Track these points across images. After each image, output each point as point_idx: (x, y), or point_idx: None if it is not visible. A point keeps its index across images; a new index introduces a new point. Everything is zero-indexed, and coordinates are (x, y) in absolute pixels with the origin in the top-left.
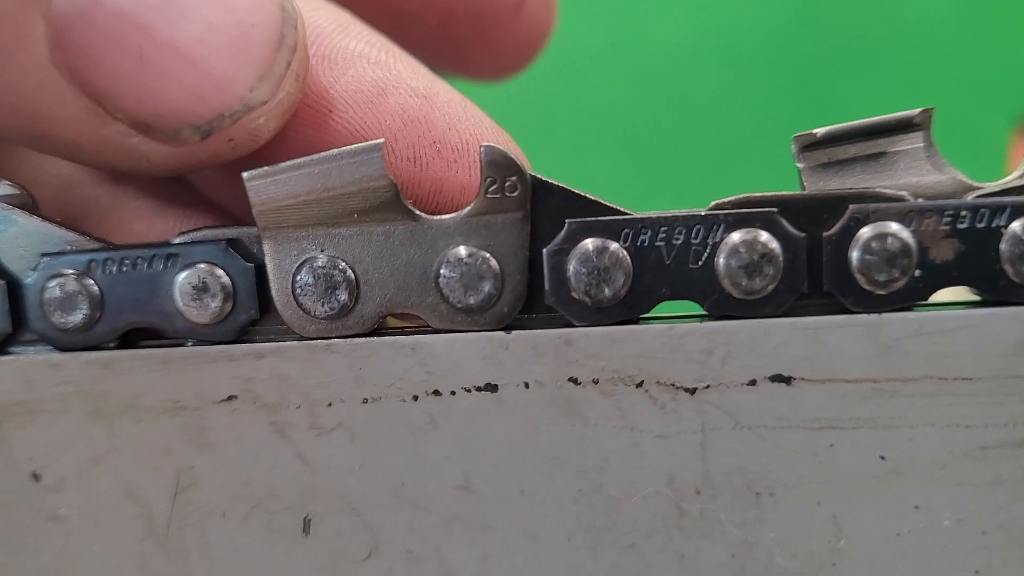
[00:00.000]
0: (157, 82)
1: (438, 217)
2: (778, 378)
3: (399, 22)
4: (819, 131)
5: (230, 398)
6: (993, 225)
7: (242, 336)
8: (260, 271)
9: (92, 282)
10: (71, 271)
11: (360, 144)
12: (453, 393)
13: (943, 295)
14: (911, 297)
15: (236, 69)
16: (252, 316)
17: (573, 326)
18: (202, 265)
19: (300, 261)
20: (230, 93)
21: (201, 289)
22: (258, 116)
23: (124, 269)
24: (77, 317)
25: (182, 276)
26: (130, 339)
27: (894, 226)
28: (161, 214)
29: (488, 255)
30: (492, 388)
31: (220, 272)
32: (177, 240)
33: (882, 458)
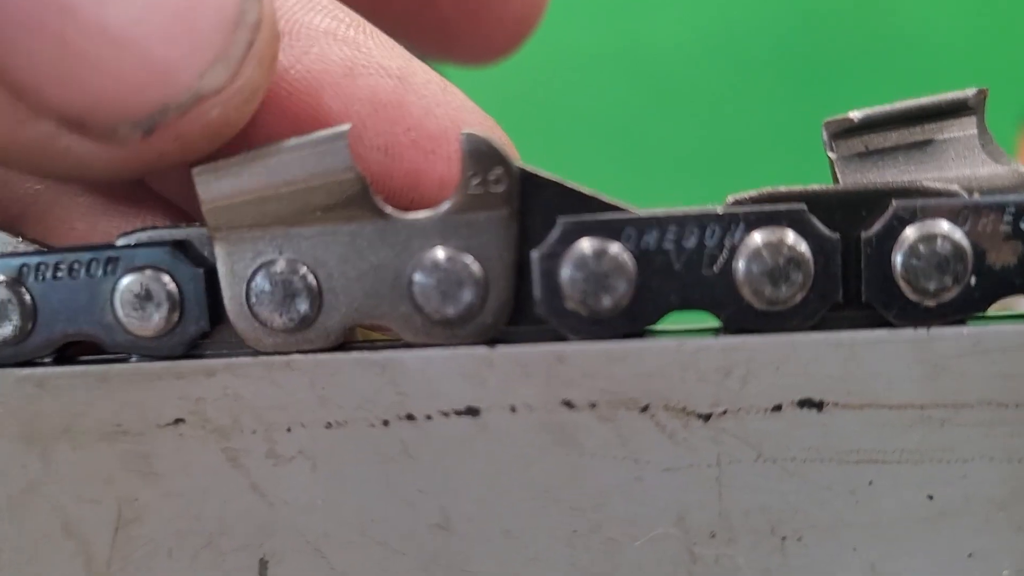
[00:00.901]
0: (85, 71)
1: (412, 215)
2: (808, 403)
3: (378, 2)
4: (855, 114)
5: (177, 421)
6: None
7: (191, 351)
8: (211, 277)
9: (24, 290)
10: (1, 277)
11: (323, 131)
12: (429, 417)
13: (1002, 306)
14: (965, 309)
15: (182, 52)
16: (202, 328)
17: (567, 341)
18: (146, 270)
19: (256, 265)
20: (175, 81)
21: (144, 297)
22: (211, 107)
23: (59, 275)
24: (7, 329)
25: (123, 283)
26: (68, 354)
27: (945, 225)
28: (106, 212)
29: (470, 258)
30: (474, 412)
31: (166, 278)
32: (118, 242)
33: (930, 497)
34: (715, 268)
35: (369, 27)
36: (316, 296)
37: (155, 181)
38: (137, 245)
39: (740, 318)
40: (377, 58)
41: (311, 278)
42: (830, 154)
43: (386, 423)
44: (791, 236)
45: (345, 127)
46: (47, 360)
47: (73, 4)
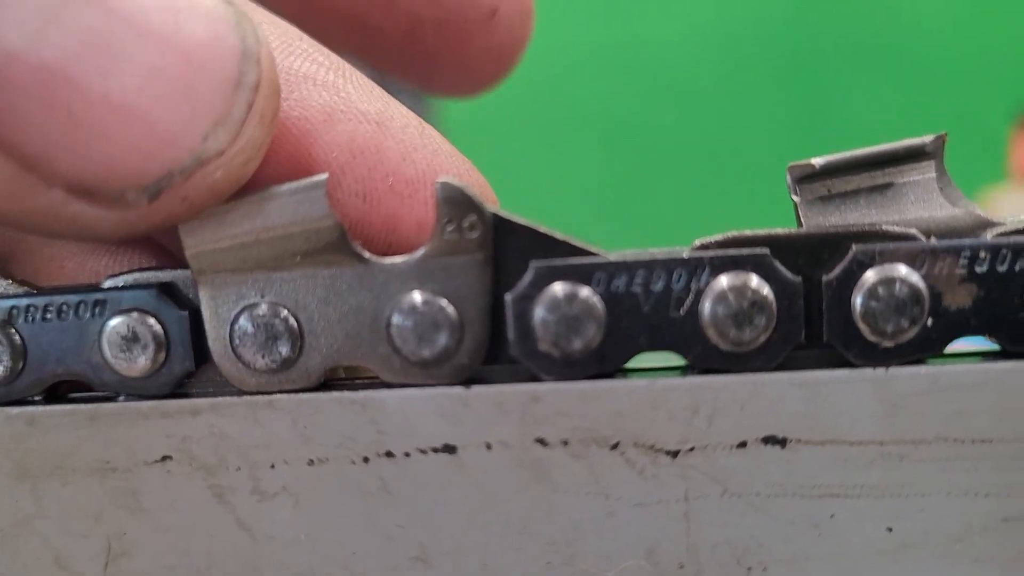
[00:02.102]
0: (93, 141)
1: (390, 260)
2: (772, 440)
3: (362, 35)
4: (817, 161)
5: (164, 459)
6: (1017, 268)
7: (177, 390)
8: (196, 318)
9: (14, 331)
10: None
11: (302, 181)
12: (407, 455)
13: (959, 347)
14: (923, 349)
15: (184, 117)
16: (187, 368)
17: (541, 381)
18: (132, 313)
19: (239, 308)
20: (179, 146)
21: (131, 339)
22: (215, 169)
23: (48, 317)
24: None
25: (110, 325)
26: (58, 392)
27: (903, 269)
28: (94, 251)
29: (445, 302)
30: (451, 449)
31: (152, 320)
32: (106, 284)
33: (889, 530)
34: (682, 311)
35: (348, 70)
36: (297, 338)
37: None
38: (124, 287)
39: (706, 358)
40: (356, 103)
41: (292, 321)
42: (794, 197)
43: (366, 460)
44: (755, 280)
45: (323, 177)
46: (37, 399)
47: (78, 76)
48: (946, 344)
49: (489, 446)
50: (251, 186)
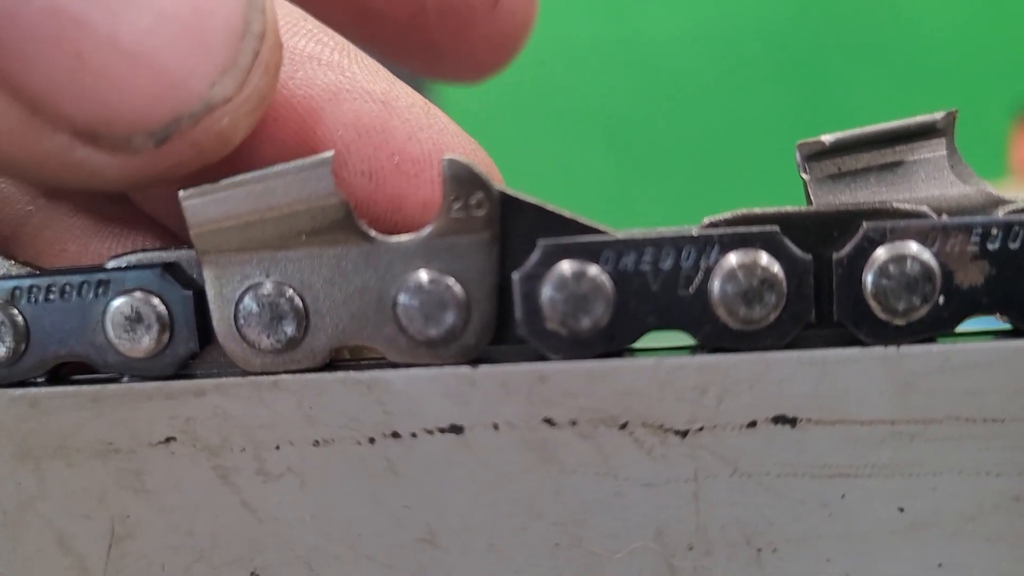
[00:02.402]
0: (101, 84)
1: (396, 238)
2: (781, 419)
3: (365, 20)
4: (827, 138)
5: (168, 440)
6: None
7: (181, 371)
8: (200, 298)
9: (16, 312)
10: None
11: (308, 158)
12: (414, 435)
13: (971, 325)
14: (934, 327)
15: (193, 63)
16: (191, 349)
17: (548, 360)
18: (136, 293)
19: (243, 288)
20: (187, 91)
21: (134, 320)
22: (222, 116)
23: (51, 298)
24: (0, 351)
25: (114, 305)
26: (60, 374)
27: (914, 246)
28: (97, 233)
29: (452, 280)
30: (457, 430)
31: (156, 300)
32: (109, 265)
33: (901, 510)
34: (691, 289)
35: (353, 50)
36: (303, 318)
37: (145, 202)
38: (127, 268)
39: (716, 337)
40: (361, 82)
41: (297, 300)
42: (803, 175)
43: (372, 441)
44: (765, 258)
45: (329, 154)
46: (40, 380)
47: (87, 18)
48: (958, 323)
49: (496, 426)
50: (256, 165)
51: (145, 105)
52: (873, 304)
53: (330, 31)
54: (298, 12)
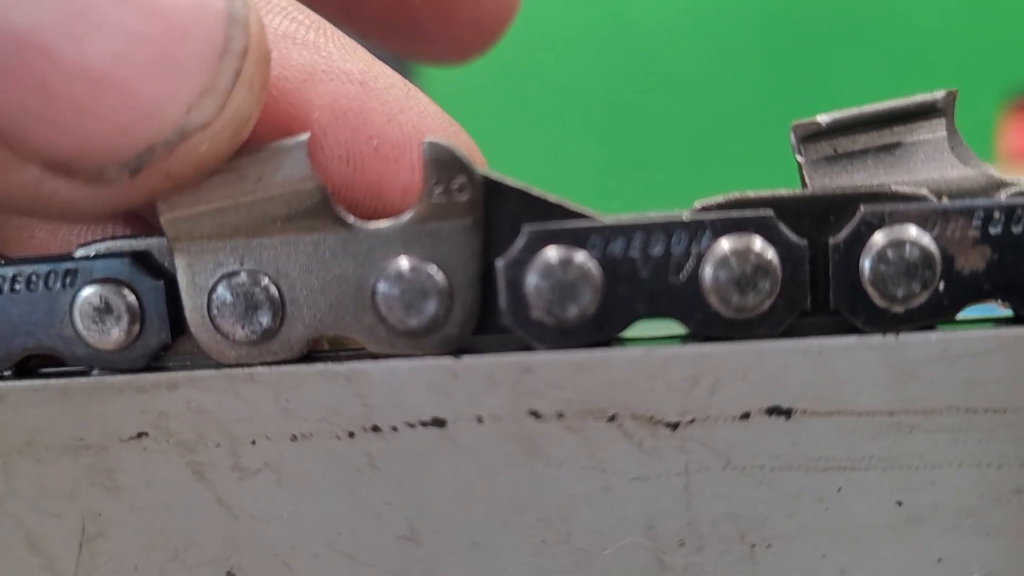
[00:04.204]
0: (68, 114)
1: (375, 224)
2: (776, 410)
3: (347, 1)
4: (823, 118)
5: (140, 435)
6: None
7: (153, 363)
8: (172, 288)
9: None
10: None
11: (282, 141)
12: (395, 429)
13: (970, 313)
14: (933, 315)
15: (166, 88)
16: (163, 340)
17: (534, 350)
18: (105, 283)
19: (217, 276)
20: (161, 118)
21: (103, 311)
22: (200, 142)
23: (17, 288)
24: None
25: (82, 296)
26: (28, 366)
27: (913, 231)
28: None
29: (433, 268)
30: (440, 423)
31: (125, 291)
32: (77, 254)
33: (899, 503)
34: (682, 276)
35: (330, 29)
36: (279, 307)
37: None
38: (96, 257)
39: (708, 326)
40: (338, 62)
41: (273, 289)
42: (798, 158)
43: (352, 435)
44: (758, 243)
45: (304, 137)
46: (7, 374)
47: (50, 45)
48: (958, 310)
49: (480, 419)
50: None
51: (116, 134)
52: (871, 291)
53: (305, 9)
54: None
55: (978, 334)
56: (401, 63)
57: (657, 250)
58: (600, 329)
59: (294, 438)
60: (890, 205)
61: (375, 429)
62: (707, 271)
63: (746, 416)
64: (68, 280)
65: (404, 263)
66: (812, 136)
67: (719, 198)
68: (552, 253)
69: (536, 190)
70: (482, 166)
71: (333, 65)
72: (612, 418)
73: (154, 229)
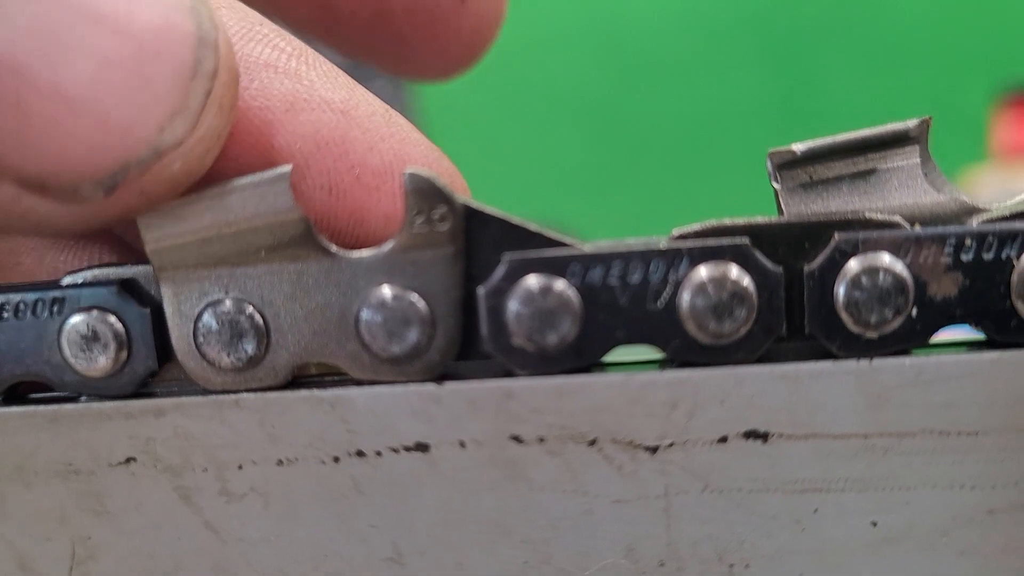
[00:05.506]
0: (43, 134)
1: (357, 253)
2: (753, 434)
3: (329, 19)
4: (798, 147)
5: (128, 460)
6: (1003, 256)
7: (140, 390)
8: (158, 316)
9: None
10: None
11: (265, 173)
12: (379, 454)
13: (944, 337)
14: (907, 340)
15: (139, 108)
16: (150, 367)
17: (515, 376)
18: (92, 311)
19: (203, 305)
20: (134, 138)
21: (91, 338)
22: (172, 161)
23: (5, 316)
24: None
25: (69, 324)
26: (18, 392)
27: (887, 258)
28: (52, 246)
29: (415, 296)
30: (423, 448)
31: (112, 318)
32: (64, 282)
33: (874, 524)
34: (660, 303)
35: (311, 56)
36: (263, 335)
37: None
38: (83, 284)
39: (685, 352)
40: (320, 91)
41: (258, 317)
42: (775, 185)
43: (336, 460)
44: (735, 270)
45: (287, 168)
46: None
47: (25, 67)
48: (931, 334)
49: (463, 444)
50: (211, 179)
51: (90, 154)
52: (845, 316)
53: (288, 36)
54: (254, 16)
55: (951, 359)
56: (394, 83)
57: (635, 278)
58: (580, 355)
59: (280, 463)
60: (864, 232)
61: (360, 454)
62: (684, 298)
63: (724, 440)
64: (56, 308)
65: (387, 291)
66: (788, 164)
67: (696, 226)
68: (532, 281)
69: (516, 219)
70: (464, 192)
71: (315, 94)
72: (593, 442)
73: (140, 257)
